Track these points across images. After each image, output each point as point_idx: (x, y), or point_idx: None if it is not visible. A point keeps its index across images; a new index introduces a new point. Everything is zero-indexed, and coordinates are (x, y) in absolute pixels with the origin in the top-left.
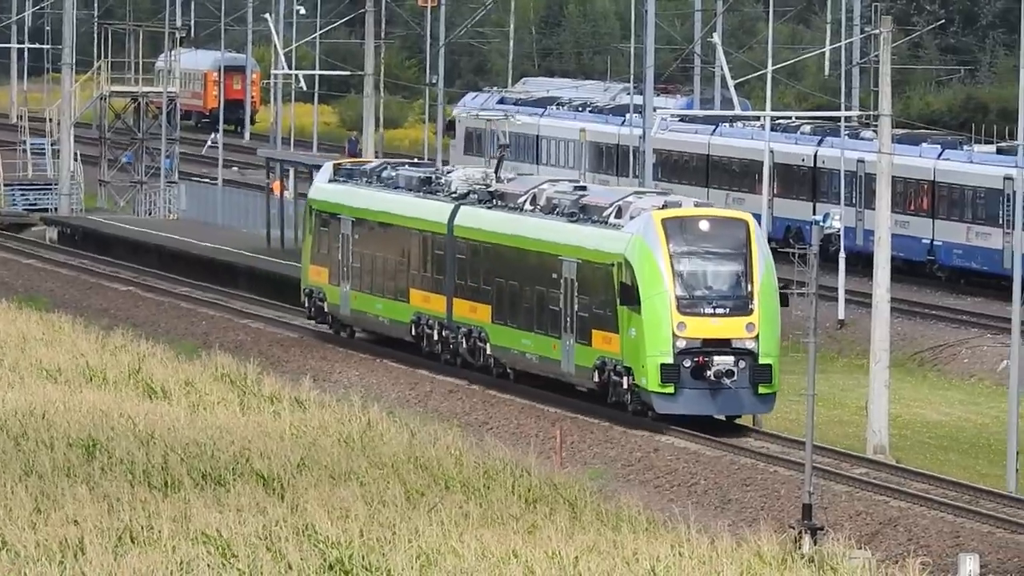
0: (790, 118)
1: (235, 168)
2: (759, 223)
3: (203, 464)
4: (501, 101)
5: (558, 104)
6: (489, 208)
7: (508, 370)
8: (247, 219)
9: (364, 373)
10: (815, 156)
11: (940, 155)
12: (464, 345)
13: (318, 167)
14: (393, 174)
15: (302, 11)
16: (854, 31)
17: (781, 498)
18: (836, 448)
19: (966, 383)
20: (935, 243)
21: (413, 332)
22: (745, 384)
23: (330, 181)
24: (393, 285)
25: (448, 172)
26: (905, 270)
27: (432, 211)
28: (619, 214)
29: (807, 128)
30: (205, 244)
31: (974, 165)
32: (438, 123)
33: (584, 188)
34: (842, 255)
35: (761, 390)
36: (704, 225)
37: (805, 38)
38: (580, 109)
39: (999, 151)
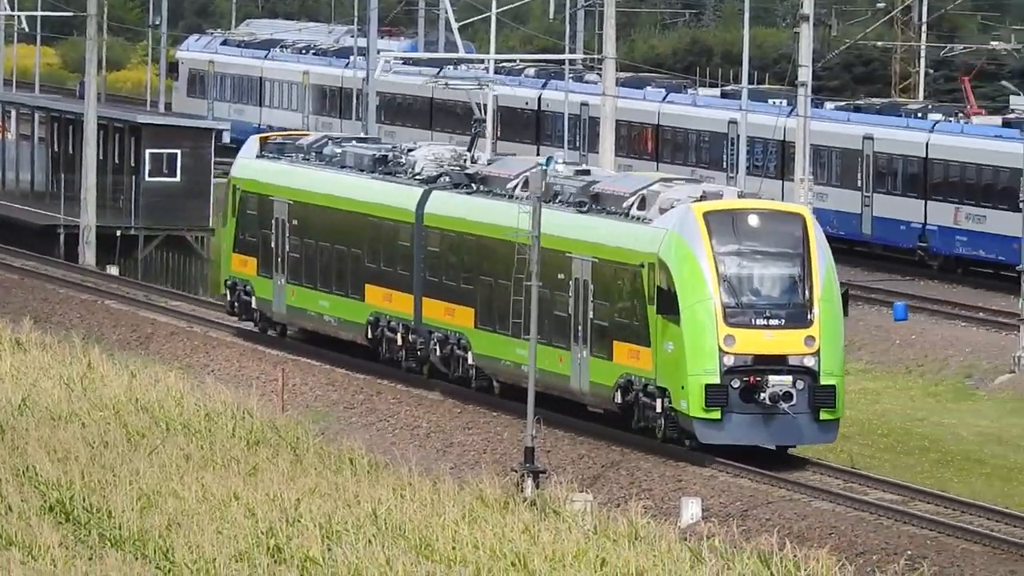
0: (514, 61)
1: None
2: None
3: None
4: (224, 43)
5: (282, 46)
6: (469, 193)
7: (494, 383)
8: None
9: (85, 315)
10: (539, 99)
11: (665, 98)
12: (438, 352)
13: (43, 109)
14: (338, 151)
15: None
16: None
17: (504, 441)
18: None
19: None
20: None
21: (370, 335)
22: (804, 409)
23: (258, 157)
24: (344, 280)
25: (410, 151)
26: None
27: (396, 196)
28: (642, 205)
29: (531, 71)
30: None
31: (699, 108)
32: (161, 65)
33: (588, 172)
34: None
35: (823, 416)
36: (753, 220)
37: None
38: (304, 52)
39: (723, 95)
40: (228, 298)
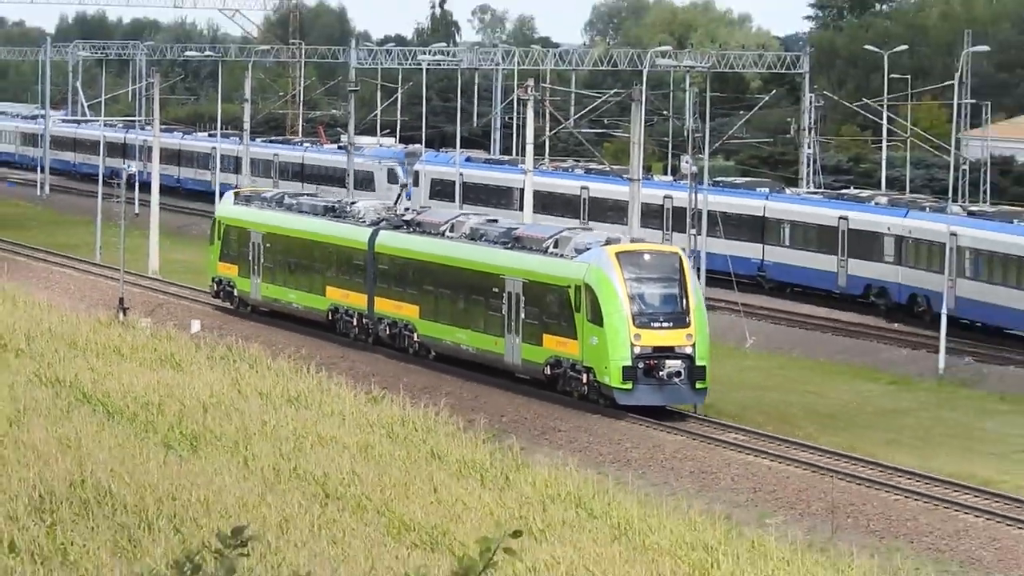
0: None
1: None
2: None
3: None
4: None
5: None
6: (409, 232)
7: (432, 352)
8: None
9: None
10: None
11: None
12: (387, 331)
13: None
14: (294, 201)
15: None
16: None
17: (111, 291)
18: (134, 270)
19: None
20: None
21: (329, 317)
22: (686, 382)
23: (234, 203)
24: (308, 282)
25: (352, 203)
26: None
27: (351, 232)
28: (557, 245)
29: None
30: None
31: None
32: None
33: (495, 220)
34: None
35: (698, 385)
36: (647, 257)
37: None
38: None
39: None
40: (215, 288)
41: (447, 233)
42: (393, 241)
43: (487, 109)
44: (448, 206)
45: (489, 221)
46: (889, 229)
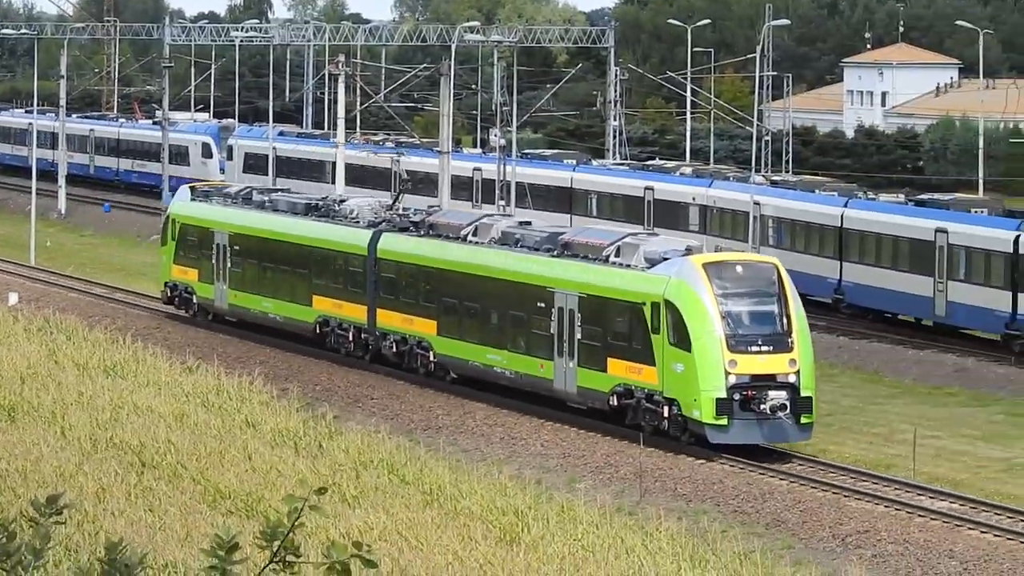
0: None
1: None
2: None
3: None
4: None
5: None
6: (421, 236)
7: (450, 373)
8: None
9: None
10: None
11: None
12: (394, 348)
13: None
14: (266, 198)
15: None
16: None
17: None
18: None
19: None
20: None
21: (318, 330)
22: (790, 415)
23: (191, 200)
24: (290, 290)
25: (341, 201)
26: None
27: (346, 235)
28: (620, 253)
29: None
30: None
31: None
32: None
33: (529, 223)
34: None
35: (803, 420)
36: (740, 269)
37: None
38: None
39: None
40: (169, 294)
41: (470, 237)
42: (401, 245)
43: (299, 84)
44: (262, 180)
45: (522, 224)
46: (694, 199)
